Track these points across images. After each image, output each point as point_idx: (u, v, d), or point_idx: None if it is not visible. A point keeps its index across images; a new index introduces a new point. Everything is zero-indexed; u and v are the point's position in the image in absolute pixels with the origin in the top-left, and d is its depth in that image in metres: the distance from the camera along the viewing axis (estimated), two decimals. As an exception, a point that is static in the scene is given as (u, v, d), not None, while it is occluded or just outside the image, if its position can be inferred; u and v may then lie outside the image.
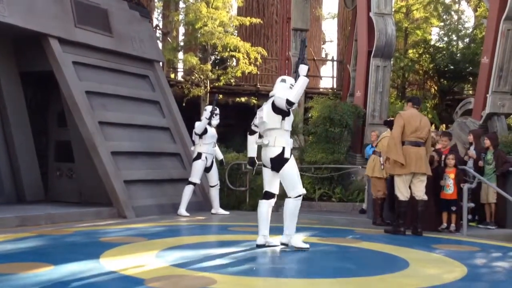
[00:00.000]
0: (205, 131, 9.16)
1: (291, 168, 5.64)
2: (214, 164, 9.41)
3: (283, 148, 5.63)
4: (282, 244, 5.71)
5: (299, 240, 5.75)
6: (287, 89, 5.72)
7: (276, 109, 5.65)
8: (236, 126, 17.80)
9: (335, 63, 20.66)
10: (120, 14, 10.12)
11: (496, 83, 10.88)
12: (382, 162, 7.90)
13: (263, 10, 20.24)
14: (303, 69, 5.66)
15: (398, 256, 5.44)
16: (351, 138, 12.61)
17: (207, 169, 9.28)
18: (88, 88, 8.96)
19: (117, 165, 8.75)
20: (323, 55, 26.84)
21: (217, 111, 9.37)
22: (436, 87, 17.55)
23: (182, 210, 8.92)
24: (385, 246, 6.06)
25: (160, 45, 17.66)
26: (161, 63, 11.72)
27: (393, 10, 13.81)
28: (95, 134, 8.59)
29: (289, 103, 5.54)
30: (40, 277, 4.11)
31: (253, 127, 5.98)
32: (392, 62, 13.63)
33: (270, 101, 5.76)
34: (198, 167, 9.11)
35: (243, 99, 17.15)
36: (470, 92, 17.59)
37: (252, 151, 6.01)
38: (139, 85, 10.28)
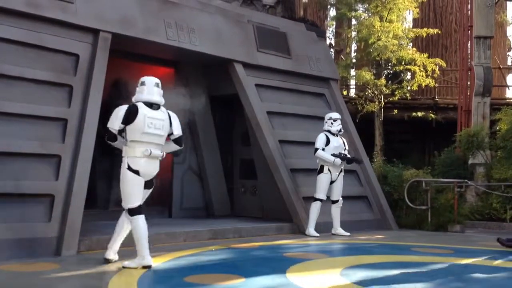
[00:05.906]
0: (327, 143, 8.42)
1: None
2: (340, 178, 8.55)
3: None
4: None
5: None
6: None
7: None
8: (412, 142, 17.11)
9: (524, 70, 18.81)
10: (298, 36, 10.47)
11: None
12: None
13: (440, 20, 19.31)
14: None
15: None
16: (547, 153, 11.30)
17: (332, 183, 8.52)
18: (269, 108, 9.39)
19: (296, 182, 9.00)
20: (509, 63, 24.66)
21: (334, 116, 8.72)
22: None
23: (311, 229, 8.27)
24: None
25: (333, 63, 17.80)
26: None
27: None
28: (276, 152, 8.95)
29: None
30: (234, 289, 4.38)
31: None
32: None
33: None
34: (320, 181, 8.41)
35: (419, 114, 16.44)
36: None
37: None
38: (316, 103, 10.46)
